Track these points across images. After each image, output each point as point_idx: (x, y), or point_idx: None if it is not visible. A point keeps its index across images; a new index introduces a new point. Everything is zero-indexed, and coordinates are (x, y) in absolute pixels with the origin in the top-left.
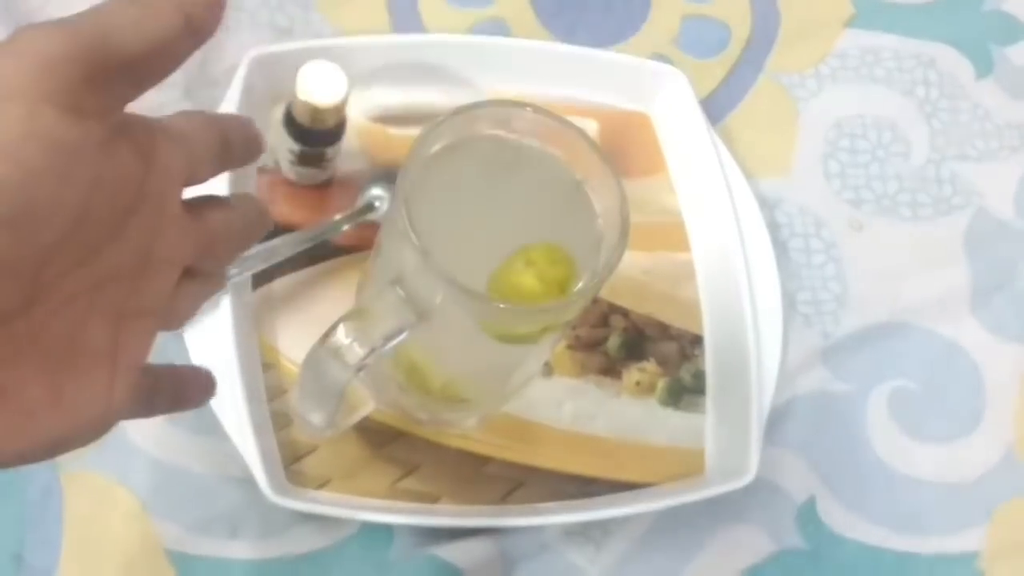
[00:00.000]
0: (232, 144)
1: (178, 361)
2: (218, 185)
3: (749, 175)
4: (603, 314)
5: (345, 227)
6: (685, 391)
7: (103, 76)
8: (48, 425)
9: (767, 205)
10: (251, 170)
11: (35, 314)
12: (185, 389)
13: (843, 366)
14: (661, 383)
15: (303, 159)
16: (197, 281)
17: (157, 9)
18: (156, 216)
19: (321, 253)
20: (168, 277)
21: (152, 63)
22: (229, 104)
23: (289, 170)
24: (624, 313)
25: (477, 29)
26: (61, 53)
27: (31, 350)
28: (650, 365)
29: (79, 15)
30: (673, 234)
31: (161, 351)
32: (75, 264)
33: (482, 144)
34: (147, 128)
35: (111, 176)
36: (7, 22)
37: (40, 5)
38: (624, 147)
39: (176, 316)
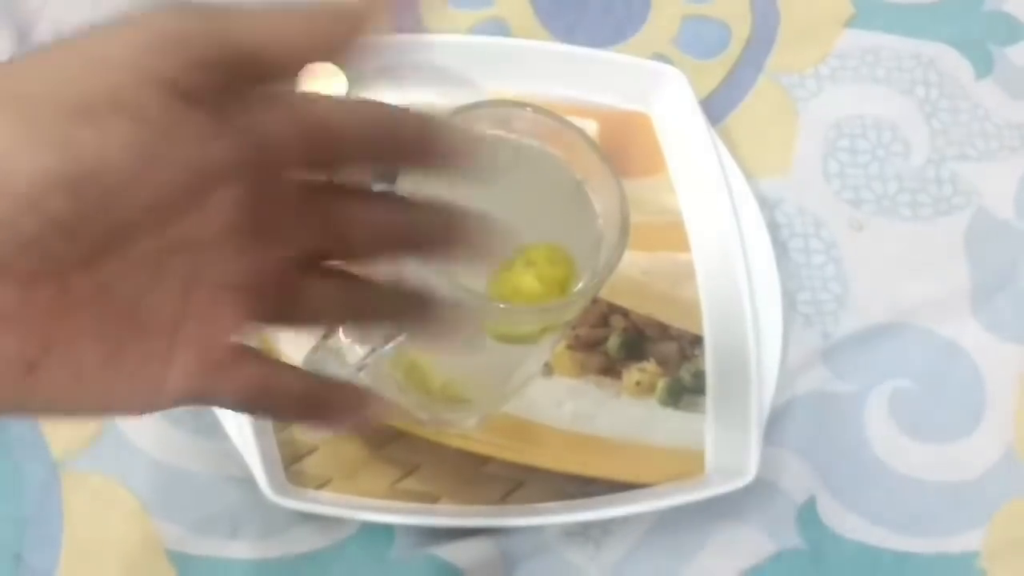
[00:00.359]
0: (401, 143)
1: None
2: None
3: (749, 175)
4: (603, 314)
5: None
6: (685, 391)
7: (219, 64)
8: (95, 389)
9: (767, 205)
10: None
11: (96, 274)
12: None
13: (843, 366)
14: (661, 383)
15: None
16: (335, 282)
17: (306, 24)
18: (251, 195)
19: None
20: (261, 255)
21: (276, 64)
22: None
23: None
24: (624, 313)
25: (477, 29)
26: (177, 33)
27: (87, 309)
28: (650, 365)
29: (216, 5)
30: (673, 234)
31: None
32: (146, 232)
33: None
34: (274, 113)
35: (202, 162)
36: (7, 23)
37: (39, 6)
38: (624, 147)
39: (307, 312)
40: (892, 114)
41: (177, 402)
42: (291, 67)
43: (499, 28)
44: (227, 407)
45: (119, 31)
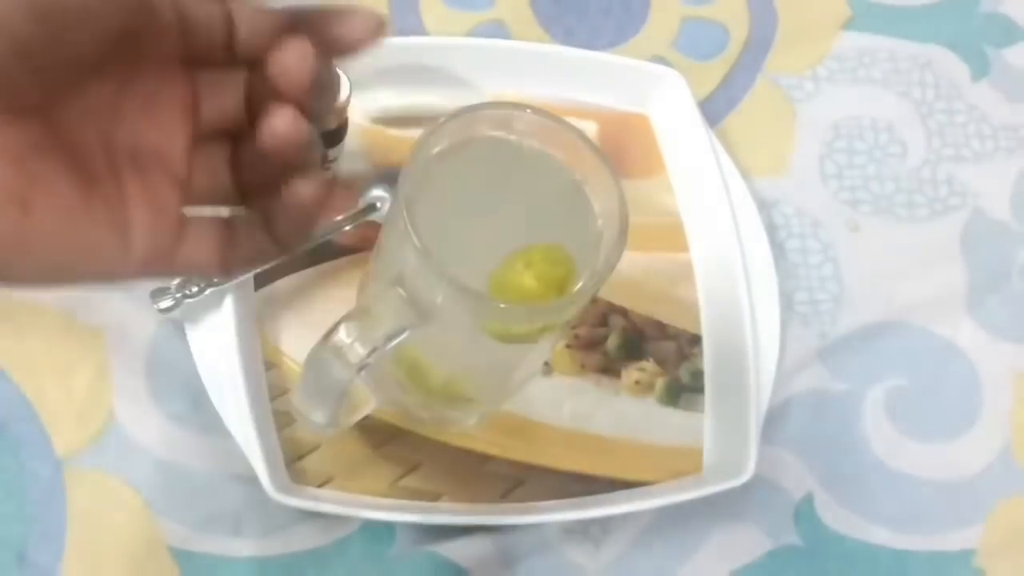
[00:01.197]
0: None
1: (183, 363)
2: None
3: (747, 176)
4: (602, 314)
5: (347, 227)
6: (683, 390)
7: None
8: (80, 233)
9: (765, 206)
10: None
11: (62, 112)
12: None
13: (840, 365)
14: (660, 382)
15: None
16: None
17: None
18: (160, 63)
19: (323, 253)
20: (172, 131)
21: None
22: None
23: None
24: (623, 313)
25: (477, 31)
26: None
27: (60, 148)
28: (649, 364)
29: None
30: (672, 234)
31: (163, 351)
32: (100, 72)
33: (482, 145)
34: None
35: (145, 6)
36: None
37: None
38: (623, 148)
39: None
40: (889, 115)
41: (147, 263)
42: None
43: (499, 30)
44: (195, 272)
45: None
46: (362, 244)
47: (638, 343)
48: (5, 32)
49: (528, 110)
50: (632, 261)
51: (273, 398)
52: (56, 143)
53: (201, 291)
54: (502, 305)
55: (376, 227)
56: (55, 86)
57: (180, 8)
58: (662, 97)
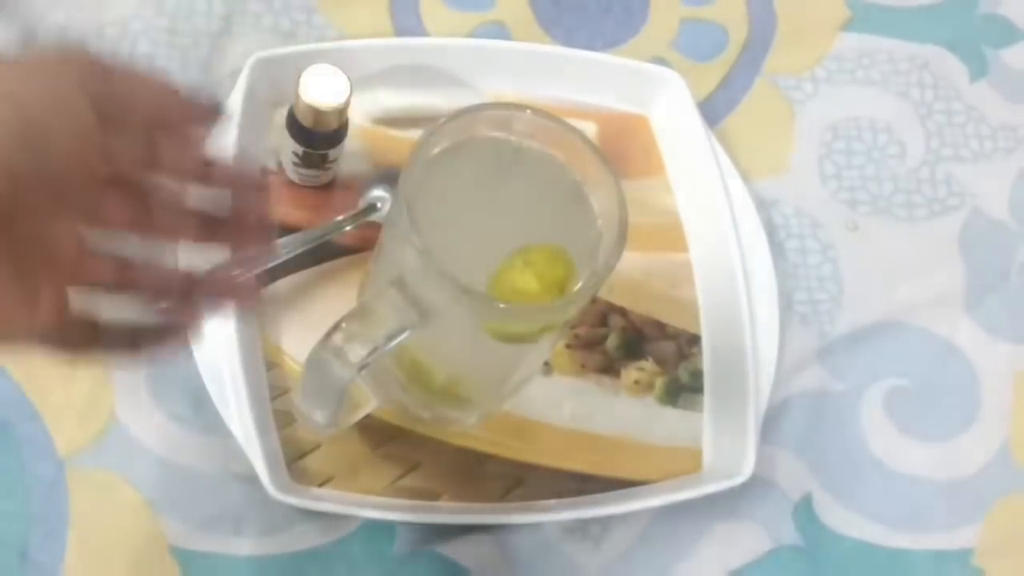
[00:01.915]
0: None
1: (184, 362)
2: None
3: (746, 176)
4: (602, 313)
5: (347, 228)
6: (683, 390)
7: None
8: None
9: (764, 206)
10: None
11: (22, 219)
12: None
13: (839, 365)
14: (659, 382)
15: (306, 161)
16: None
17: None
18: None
19: (324, 254)
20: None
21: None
22: (232, 106)
23: (292, 172)
24: (623, 313)
25: (478, 32)
26: (93, 65)
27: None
28: (648, 364)
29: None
30: (671, 235)
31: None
32: (64, 190)
33: (482, 146)
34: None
35: (103, 153)
36: (14, 23)
37: (47, 8)
38: (623, 149)
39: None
40: (888, 116)
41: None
42: (147, 116)
43: (499, 31)
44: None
45: (53, 57)
46: (362, 244)
47: (638, 343)
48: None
49: (528, 111)
50: (632, 261)
51: (274, 398)
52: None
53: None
54: (502, 305)
55: (376, 227)
56: (27, 199)
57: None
58: (662, 98)
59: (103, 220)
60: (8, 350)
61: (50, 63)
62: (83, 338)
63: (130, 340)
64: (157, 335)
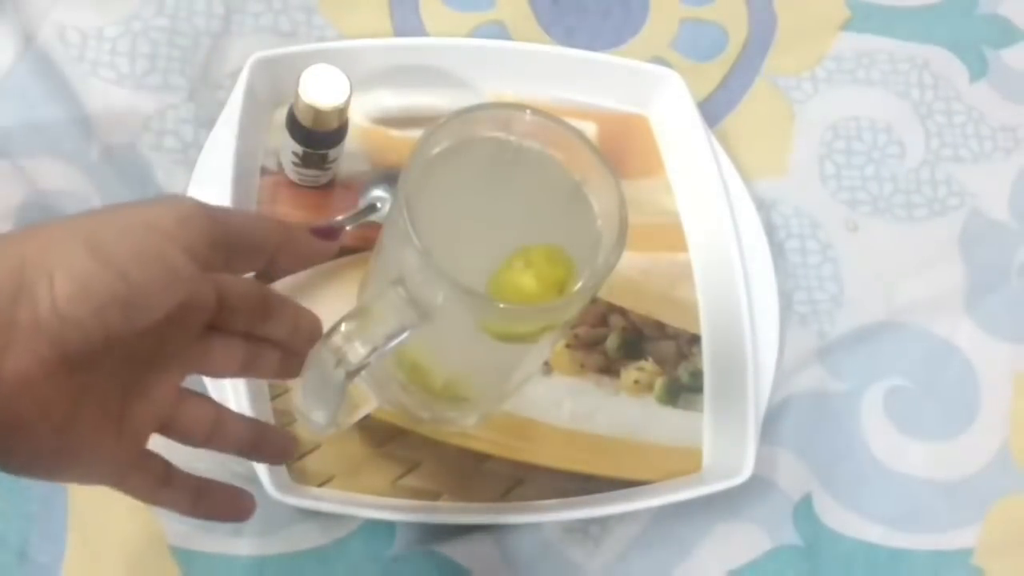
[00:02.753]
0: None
1: None
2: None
3: (746, 177)
4: (602, 314)
5: (347, 228)
6: (683, 390)
7: (216, 243)
8: (104, 451)
9: (764, 206)
10: (255, 172)
11: (108, 362)
12: (226, 503)
13: (839, 365)
14: (659, 382)
15: (306, 161)
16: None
17: (270, 228)
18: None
19: None
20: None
21: (252, 256)
22: (232, 106)
23: (292, 172)
24: (623, 313)
25: (478, 32)
26: (196, 215)
27: (89, 396)
28: (648, 364)
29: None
30: (671, 235)
31: None
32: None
33: (482, 146)
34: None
35: (186, 300)
36: (15, 22)
37: (48, 7)
38: (622, 149)
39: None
40: (887, 116)
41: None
42: (260, 255)
43: (499, 31)
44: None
45: (162, 208)
46: (362, 244)
47: (637, 343)
48: (100, 315)
49: (528, 111)
50: (631, 261)
51: (273, 398)
52: (103, 380)
53: None
54: (502, 305)
55: (376, 227)
56: (116, 349)
57: (220, 288)
58: (661, 98)
59: (207, 367)
60: (85, 480)
61: (151, 219)
62: (155, 479)
63: (193, 497)
64: (218, 503)
